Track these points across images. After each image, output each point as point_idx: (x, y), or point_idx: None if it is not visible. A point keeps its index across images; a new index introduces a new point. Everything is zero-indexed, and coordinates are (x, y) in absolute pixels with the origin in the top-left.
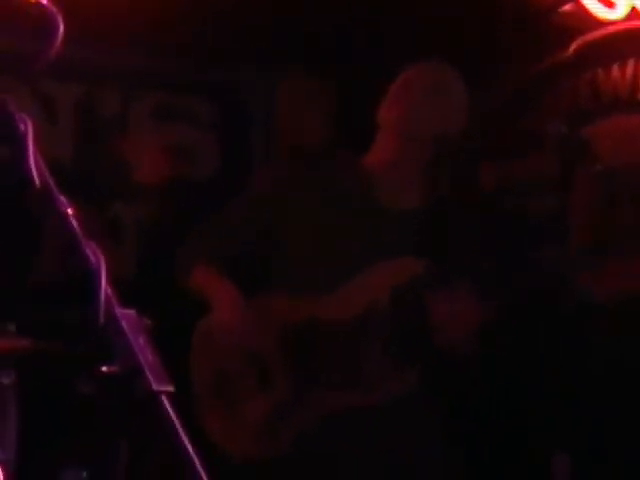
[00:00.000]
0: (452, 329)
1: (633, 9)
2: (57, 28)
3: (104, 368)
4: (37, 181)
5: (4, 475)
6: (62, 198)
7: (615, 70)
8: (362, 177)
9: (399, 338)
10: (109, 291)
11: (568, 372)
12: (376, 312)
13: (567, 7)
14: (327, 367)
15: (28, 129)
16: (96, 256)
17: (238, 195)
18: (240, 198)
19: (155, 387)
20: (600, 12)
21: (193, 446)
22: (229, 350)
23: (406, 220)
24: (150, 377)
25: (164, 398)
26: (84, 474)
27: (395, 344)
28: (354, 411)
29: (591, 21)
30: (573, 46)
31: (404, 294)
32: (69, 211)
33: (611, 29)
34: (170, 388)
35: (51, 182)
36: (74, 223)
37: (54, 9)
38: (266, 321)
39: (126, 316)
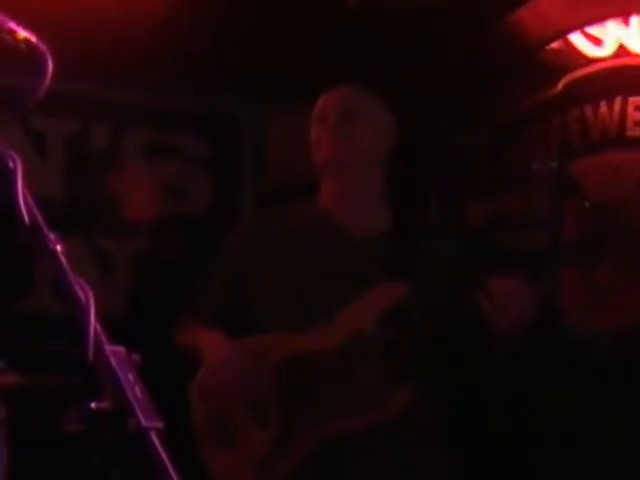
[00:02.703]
0: (512, 310)
1: (621, 46)
2: (46, 65)
3: (93, 404)
4: (26, 218)
5: None
6: (51, 235)
7: (603, 107)
8: (323, 215)
9: (392, 361)
10: (98, 328)
11: (560, 406)
12: (363, 338)
13: (555, 44)
14: (321, 396)
15: (17, 166)
16: (85, 293)
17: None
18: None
19: (144, 423)
20: (588, 49)
21: None
22: (224, 391)
23: (374, 246)
24: (139, 413)
25: (153, 434)
26: None
27: (388, 367)
28: (352, 435)
29: (579, 58)
30: (561, 83)
31: (392, 318)
32: (58, 248)
33: (599, 66)
34: (159, 424)
35: (40, 219)
36: (63, 260)
37: (43, 46)
38: (256, 359)
39: (115, 353)
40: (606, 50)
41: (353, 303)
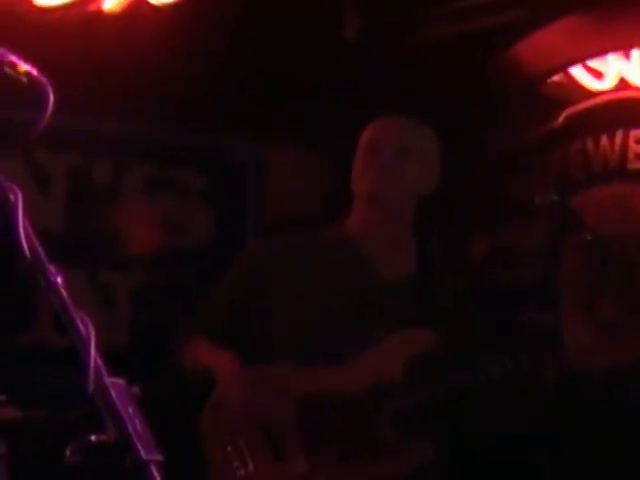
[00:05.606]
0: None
1: (622, 80)
2: (47, 98)
3: (93, 437)
4: (26, 251)
5: None
6: (52, 268)
7: (604, 140)
8: (349, 244)
9: (413, 410)
10: (98, 360)
11: (559, 443)
12: (387, 384)
13: (556, 78)
14: (340, 438)
15: (17, 199)
16: (85, 325)
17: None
18: (232, 268)
19: (144, 456)
20: (589, 82)
21: None
22: (239, 422)
23: (401, 288)
24: (139, 446)
25: (153, 467)
26: None
27: (409, 416)
28: None
29: (580, 91)
30: (563, 116)
31: (417, 366)
32: (58, 280)
33: (600, 99)
34: (159, 457)
35: (41, 252)
36: (63, 292)
37: (44, 79)
38: (275, 388)
39: (115, 385)
40: (607, 83)
41: (379, 346)
